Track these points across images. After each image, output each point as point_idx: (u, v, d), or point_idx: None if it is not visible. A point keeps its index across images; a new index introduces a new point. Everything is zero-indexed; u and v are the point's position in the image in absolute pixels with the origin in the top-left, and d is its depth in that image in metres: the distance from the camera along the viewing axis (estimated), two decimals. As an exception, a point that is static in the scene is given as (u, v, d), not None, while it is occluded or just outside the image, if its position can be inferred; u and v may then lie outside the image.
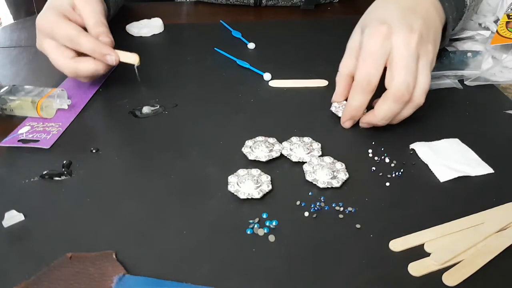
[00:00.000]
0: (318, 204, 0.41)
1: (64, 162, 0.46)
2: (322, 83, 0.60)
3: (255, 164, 0.46)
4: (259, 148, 0.47)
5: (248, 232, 0.39)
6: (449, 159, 0.46)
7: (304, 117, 0.54)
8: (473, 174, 0.45)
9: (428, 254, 0.37)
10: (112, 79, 0.61)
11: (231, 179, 0.43)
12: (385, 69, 0.47)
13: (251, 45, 0.70)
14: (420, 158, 0.47)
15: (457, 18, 0.57)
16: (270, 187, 0.43)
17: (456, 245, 0.37)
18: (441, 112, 0.55)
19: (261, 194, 0.42)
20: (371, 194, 0.43)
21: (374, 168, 0.46)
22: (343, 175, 0.44)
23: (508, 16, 0.61)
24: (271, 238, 0.38)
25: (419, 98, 0.47)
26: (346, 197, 0.42)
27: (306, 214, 0.40)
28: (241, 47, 0.71)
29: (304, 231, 0.39)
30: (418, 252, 0.37)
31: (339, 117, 0.52)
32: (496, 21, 0.68)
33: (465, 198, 0.42)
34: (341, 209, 0.41)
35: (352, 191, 0.43)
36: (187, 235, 0.39)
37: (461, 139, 0.49)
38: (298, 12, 0.84)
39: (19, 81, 0.61)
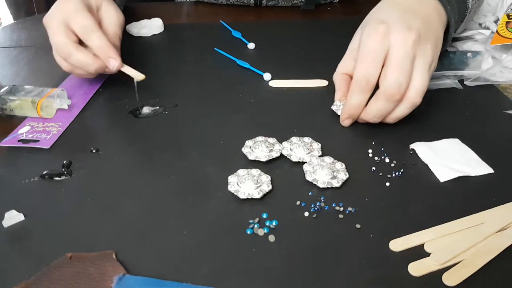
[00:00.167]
0: (318, 204, 0.41)
1: (64, 162, 0.46)
2: (322, 83, 0.60)
3: (255, 164, 0.46)
4: (259, 148, 0.47)
5: (248, 232, 0.39)
6: (449, 159, 0.46)
7: (304, 117, 0.54)
8: (473, 174, 0.45)
9: (428, 254, 0.37)
10: (112, 79, 0.61)
11: (231, 179, 0.43)
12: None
13: (251, 45, 0.70)
14: (420, 158, 0.47)
15: (459, 21, 0.57)
16: (270, 187, 0.43)
17: (456, 245, 0.37)
18: (441, 112, 0.55)
19: (261, 194, 0.42)
20: (371, 194, 0.43)
21: (374, 168, 0.46)
22: (343, 175, 0.44)
23: (508, 16, 0.61)
24: (271, 238, 0.38)
25: (414, 97, 0.46)
26: (346, 197, 0.42)
27: (306, 214, 0.40)
28: (241, 47, 0.71)
29: (304, 231, 0.39)
30: (418, 252, 0.37)
31: (332, 104, 0.53)
32: (496, 21, 0.68)
33: (465, 198, 0.42)
34: (341, 209, 0.41)
35: (352, 191, 0.43)
36: (187, 235, 0.39)
37: (461, 139, 0.49)
38: (298, 12, 0.84)
39: (19, 81, 0.61)
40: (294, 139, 0.49)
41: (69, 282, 0.34)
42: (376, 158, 0.47)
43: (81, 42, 0.53)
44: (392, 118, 0.49)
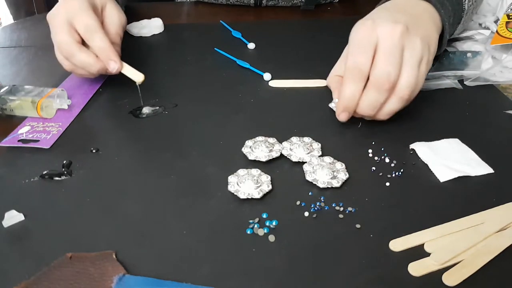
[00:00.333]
0: (318, 204, 0.41)
1: (64, 162, 0.46)
2: (322, 83, 0.60)
3: (255, 164, 0.46)
4: (259, 148, 0.47)
5: (248, 232, 0.39)
6: (449, 159, 0.46)
7: (304, 117, 0.54)
8: (473, 174, 0.45)
9: (428, 254, 0.37)
10: (112, 79, 0.61)
11: (231, 179, 0.43)
12: None
13: (251, 45, 0.70)
14: (420, 158, 0.47)
15: (455, 23, 0.57)
16: (270, 187, 0.43)
17: (456, 245, 0.37)
18: (441, 112, 0.55)
19: (261, 194, 0.42)
20: (371, 194, 0.43)
21: (374, 168, 0.46)
22: (343, 175, 0.44)
23: (508, 16, 0.61)
24: (271, 238, 0.38)
25: (403, 90, 0.46)
26: (346, 197, 0.42)
27: (306, 214, 0.40)
28: (241, 47, 0.71)
29: (304, 231, 0.39)
30: (418, 252, 0.37)
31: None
32: (496, 21, 0.68)
33: (465, 198, 0.42)
34: (341, 209, 0.41)
35: (352, 191, 0.43)
36: (187, 235, 0.39)
37: (461, 139, 0.49)
38: (298, 12, 0.84)
39: (19, 81, 0.61)
40: (294, 139, 0.49)
41: (69, 282, 0.34)
42: (376, 158, 0.47)
43: (83, 42, 0.53)
44: (384, 113, 0.48)
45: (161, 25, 0.76)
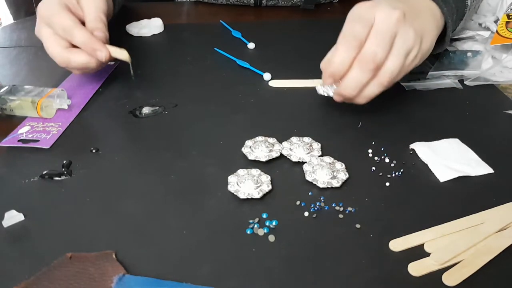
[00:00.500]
0: (318, 204, 0.41)
1: (64, 162, 0.46)
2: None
3: (255, 164, 0.46)
4: (259, 148, 0.47)
5: (248, 232, 0.39)
6: (449, 159, 0.46)
7: (304, 117, 0.54)
8: (473, 174, 0.45)
9: (428, 254, 0.37)
10: (112, 79, 0.61)
11: (231, 179, 0.43)
12: None
13: (251, 45, 0.70)
14: (420, 158, 0.47)
15: (457, 19, 0.57)
16: (270, 187, 0.43)
17: (456, 245, 0.37)
18: (441, 112, 0.55)
19: (261, 194, 0.42)
20: (371, 194, 0.43)
21: (374, 168, 0.46)
22: (343, 175, 0.44)
23: (508, 16, 0.61)
24: (271, 238, 0.38)
25: (383, 76, 0.47)
26: (346, 197, 0.42)
27: (306, 214, 0.40)
28: (241, 47, 0.71)
29: (304, 231, 0.39)
30: (418, 252, 0.37)
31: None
32: (496, 21, 0.68)
33: (465, 198, 0.42)
34: (341, 209, 0.41)
35: (352, 191, 0.43)
36: (187, 235, 0.39)
37: (461, 139, 0.49)
38: (298, 12, 0.84)
39: (19, 81, 0.61)
40: (294, 139, 0.49)
41: (69, 282, 0.34)
42: (376, 158, 0.47)
43: None
44: (363, 96, 0.48)
45: (161, 25, 0.76)
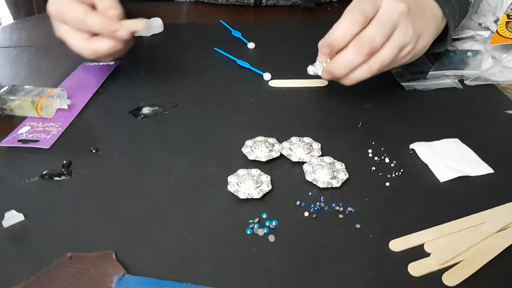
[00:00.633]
0: (318, 204, 0.41)
1: (64, 162, 0.46)
2: (322, 83, 0.60)
3: (255, 164, 0.46)
4: (259, 148, 0.47)
5: (248, 232, 0.39)
6: (449, 159, 0.46)
7: (304, 117, 0.54)
8: (473, 174, 0.45)
9: (428, 254, 0.37)
10: (112, 79, 0.61)
11: (231, 179, 0.43)
12: None
13: (251, 45, 0.70)
14: (420, 158, 0.47)
15: (460, 18, 0.57)
16: (270, 187, 0.43)
17: (456, 245, 0.37)
18: (441, 112, 0.55)
19: (261, 194, 0.42)
20: (371, 194, 0.43)
21: (374, 168, 0.46)
22: (343, 175, 0.44)
23: (508, 16, 0.61)
24: (271, 238, 0.38)
25: (375, 63, 0.47)
26: (346, 197, 0.42)
27: (306, 214, 0.40)
28: (241, 47, 0.71)
29: (304, 231, 0.39)
30: (418, 252, 0.37)
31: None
32: (496, 21, 0.68)
33: (465, 198, 0.42)
34: (341, 209, 0.41)
35: (352, 191, 0.43)
36: (187, 235, 0.38)
37: (461, 139, 0.49)
38: (298, 11, 0.84)
39: (19, 81, 0.61)
40: (294, 139, 0.49)
41: (69, 282, 0.34)
42: (376, 158, 0.47)
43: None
44: (350, 78, 0.49)
45: (161, 25, 0.76)
